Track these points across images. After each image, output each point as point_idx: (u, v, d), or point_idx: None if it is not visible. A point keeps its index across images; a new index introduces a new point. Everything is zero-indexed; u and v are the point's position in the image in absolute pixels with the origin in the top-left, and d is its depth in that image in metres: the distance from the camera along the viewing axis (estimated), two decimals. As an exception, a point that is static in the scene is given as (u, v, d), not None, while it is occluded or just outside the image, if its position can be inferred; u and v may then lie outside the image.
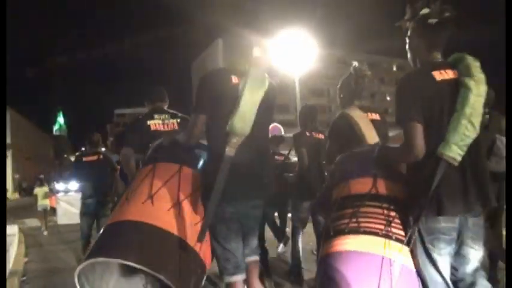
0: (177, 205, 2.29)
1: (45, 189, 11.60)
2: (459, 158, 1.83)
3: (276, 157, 5.37)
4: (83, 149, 6.27)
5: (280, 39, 13.09)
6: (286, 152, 5.12)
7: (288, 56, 12.71)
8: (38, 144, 54.83)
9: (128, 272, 2.54)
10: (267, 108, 2.34)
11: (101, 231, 2.40)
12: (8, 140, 33.42)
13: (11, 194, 25.53)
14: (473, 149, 1.87)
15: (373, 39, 61.52)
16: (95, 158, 5.33)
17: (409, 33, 2.11)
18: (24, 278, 5.34)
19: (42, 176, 14.16)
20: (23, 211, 15.53)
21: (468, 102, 1.82)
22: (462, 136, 1.81)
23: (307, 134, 4.27)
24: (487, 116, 3.50)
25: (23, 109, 46.62)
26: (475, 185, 1.89)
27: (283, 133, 6.94)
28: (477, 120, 1.83)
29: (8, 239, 7.40)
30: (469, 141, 1.83)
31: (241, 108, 2.17)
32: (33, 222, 12.77)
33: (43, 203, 11.07)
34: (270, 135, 2.81)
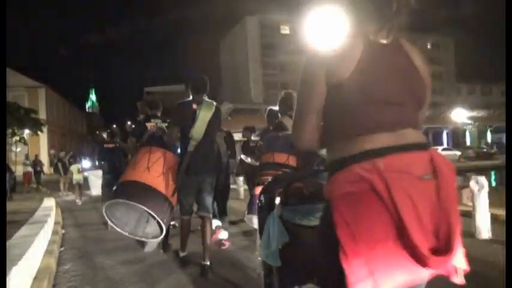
0: (162, 174, 4.11)
1: (78, 165, 13.38)
2: None
3: (251, 144, 6.66)
4: (104, 135, 8.53)
5: (310, 16, 12.85)
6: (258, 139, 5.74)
7: (318, 34, 12.49)
8: (71, 121, 56.39)
9: (130, 206, 4.20)
10: (213, 123, 4.02)
11: (116, 186, 4.36)
12: (44, 116, 34.55)
13: (47, 169, 26.48)
14: None
15: (408, 15, 59.29)
16: (112, 145, 7.29)
17: None
18: (62, 248, 5.58)
19: (71, 153, 16.50)
20: (57, 185, 16.17)
21: None
22: None
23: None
24: None
25: (57, 87, 47.84)
26: None
27: None
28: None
29: (46, 211, 7.74)
30: None
31: (197, 124, 3.91)
32: (70, 196, 14.21)
33: (77, 177, 12.77)
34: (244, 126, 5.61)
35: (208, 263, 3.88)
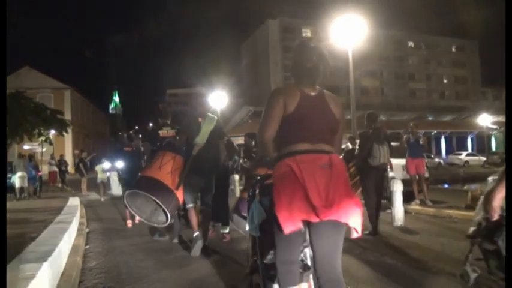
0: (170, 172, 5.00)
1: (102, 166, 14.01)
2: None
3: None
4: (125, 135, 9.08)
5: (332, 19, 12.79)
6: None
7: (341, 37, 12.38)
8: (95, 122, 57.49)
9: (147, 198, 5.14)
10: (214, 133, 4.97)
11: (137, 179, 5.38)
12: (69, 117, 35.28)
13: (71, 169, 27.08)
14: None
15: (431, 19, 58.29)
16: (130, 149, 7.92)
17: None
18: (87, 246, 5.73)
19: (93, 154, 18.07)
20: (80, 185, 16.52)
21: None
22: None
23: None
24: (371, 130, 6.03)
25: (82, 88, 48.79)
26: None
27: None
28: None
29: (72, 210, 7.95)
30: None
31: (201, 133, 4.89)
32: (92, 196, 14.60)
33: (101, 176, 13.77)
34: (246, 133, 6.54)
35: (206, 243, 4.93)
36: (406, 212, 6.80)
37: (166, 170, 5.02)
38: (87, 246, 5.73)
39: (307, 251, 2.42)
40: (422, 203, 8.28)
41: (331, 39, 13.39)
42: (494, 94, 63.12)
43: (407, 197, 7.79)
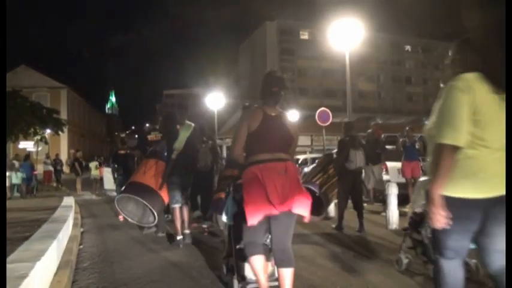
0: (154, 176, 5.64)
1: (96, 163, 15.39)
2: None
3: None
4: (123, 135, 9.79)
5: (329, 22, 12.82)
6: None
7: (338, 40, 12.41)
8: (91, 122, 57.38)
9: (137, 203, 5.84)
10: (191, 139, 5.55)
11: (125, 185, 6.05)
12: (65, 117, 35.20)
13: (66, 168, 27.01)
14: None
15: (428, 23, 58.48)
16: (124, 152, 8.67)
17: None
18: (81, 246, 5.71)
19: (79, 153, 18.32)
20: (75, 184, 16.46)
21: None
22: None
23: None
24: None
25: (78, 88, 48.65)
26: None
27: (331, 117, 9.76)
28: None
29: (67, 209, 7.92)
30: None
31: (179, 139, 5.43)
32: (86, 195, 14.56)
33: (94, 173, 15.08)
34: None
35: (187, 231, 5.57)
36: (400, 215, 6.82)
37: (150, 174, 5.72)
38: (81, 246, 5.70)
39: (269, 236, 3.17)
40: (418, 207, 8.31)
41: (328, 42, 13.42)
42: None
43: (403, 200, 7.82)
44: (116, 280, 4.07)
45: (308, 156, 18.96)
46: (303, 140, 35.14)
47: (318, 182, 6.32)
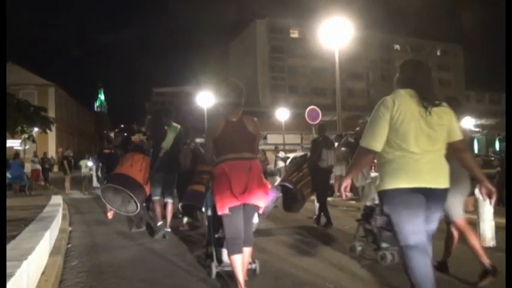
0: (140, 170, 5.97)
1: (86, 161, 15.74)
2: None
3: None
4: (112, 134, 10.08)
5: (319, 20, 12.87)
6: None
7: (328, 38, 12.45)
8: (80, 120, 56.78)
9: (116, 191, 6.12)
10: (177, 139, 5.99)
11: (110, 176, 6.45)
12: (53, 115, 34.75)
13: (55, 167, 26.72)
14: None
15: (416, 22, 58.95)
16: (109, 151, 9.18)
17: None
18: (69, 245, 5.66)
19: (69, 151, 18.73)
20: (63, 183, 16.33)
21: None
22: None
23: None
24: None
25: (67, 86, 48.18)
26: None
27: (320, 115, 9.98)
28: None
29: (54, 208, 7.85)
30: None
31: (166, 139, 5.86)
32: (75, 194, 14.57)
33: (84, 171, 15.55)
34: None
35: (169, 229, 6.05)
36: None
37: (137, 168, 6.03)
38: (69, 245, 5.66)
39: None
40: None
41: (318, 41, 13.47)
42: (477, 98, 64.18)
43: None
44: (104, 279, 4.05)
45: (298, 154, 19.00)
46: (293, 139, 35.16)
47: (294, 180, 6.60)
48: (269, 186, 4.76)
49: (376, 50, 57.09)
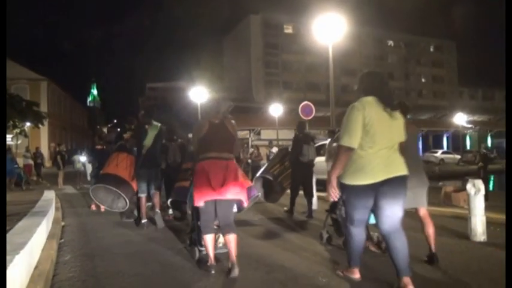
0: (126, 168, 6.62)
1: (79, 156, 15.85)
2: None
3: None
4: (105, 130, 10.20)
5: (313, 16, 12.85)
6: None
7: (322, 34, 12.44)
8: (72, 115, 56.37)
9: (107, 191, 6.84)
10: (157, 138, 6.34)
11: (100, 176, 7.14)
12: (45, 109, 34.51)
13: (47, 162, 26.56)
14: None
15: (410, 18, 59.00)
16: (101, 147, 9.51)
17: None
18: (62, 240, 5.65)
19: (62, 147, 19.07)
20: (56, 178, 16.19)
21: None
22: None
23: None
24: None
25: (59, 80, 47.66)
26: None
27: (314, 111, 10.27)
28: None
29: (47, 203, 7.82)
30: None
31: (147, 138, 6.25)
32: (68, 189, 14.42)
33: (78, 165, 15.88)
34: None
35: (158, 211, 6.47)
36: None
37: (122, 166, 6.69)
38: (62, 240, 5.65)
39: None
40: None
41: (312, 36, 13.45)
42: (470, 94, 64.61)
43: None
44: (97, 274, 4.05)
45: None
46: (286, 134, 35.09)
47: (275, 173, 7.44)
48: (249, 184, 5.87)
49: (370, 46, 57.21)
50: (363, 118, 3.14)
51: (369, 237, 4.51)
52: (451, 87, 63.56)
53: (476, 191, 5.16)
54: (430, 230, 4.11)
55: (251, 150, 19.42)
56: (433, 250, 4.10)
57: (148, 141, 6.27)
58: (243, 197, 4.08)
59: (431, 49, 64.10)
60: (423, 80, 63.45)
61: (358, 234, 3.46)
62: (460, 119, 42.81)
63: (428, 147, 46.42)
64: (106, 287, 3.68)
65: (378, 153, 3.18)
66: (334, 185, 3.29)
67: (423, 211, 4.15)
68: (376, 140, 3.16)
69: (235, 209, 5.22)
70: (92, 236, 6.02)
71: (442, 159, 37.19)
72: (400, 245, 3.21)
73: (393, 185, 3.20)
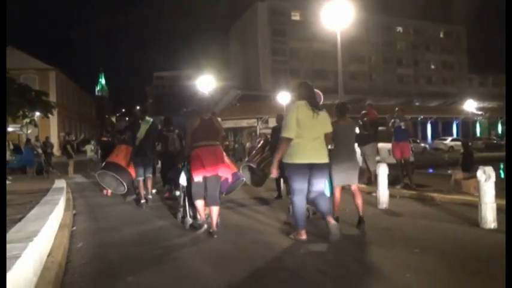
0: (124, 157, 7.91)
1: (91, 146, 16.19)
2: None
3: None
4: (113, 119, 10.67)
5: (321, 3, 12.69)
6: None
7: (330, 21, 12.30)
8: (81, 104, 56.68)
9: (112, 176, 8.13)
10: (150, 132, 7.53)
11: (104, 165, 8.42)
12: (54, 99, 34.68)
13: (57, 151, 26.80)
14: None
15: (419, 4, 57.88)
16: (107, 138, 10.64)
17: None
18: (74, 228, 5.72)
19: (82, 137, 20.31)
20: (66, 167, 16.35)
21: None
22: None
23: None
24: None
25: (67, 70, 47.82)
26: None
27: (322, 99, 9.82)
28: None
29: (58, 191, 7.90)
30: None
31: (140, 130, 7.48)
32: (78, 178, 14.54)
33: (90, 154, 16.22)
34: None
35: (150, 196, 7.81)
36: (390, 195, 6.91)
37: (122, 156, 7.94)
38: (74, 228, 5.72)
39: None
40: (407, 187, 8.42)
41: (320, 23, 13.32)
42: (480, 80, 63.69)
43: (393, 181, 7.91)
44: (110, 261, 4.10)
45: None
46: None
47: (257, 161, 8.05)
48: (236, 170, 6.80)
49: (378, 32, 56.47)
50: (297, 116, 4.47)
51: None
52: (461, 73, 62.71)
53: (487, 178, 5.12)
54: (359, 200, 5.29)
55: (259, 138, 19.43)
56: (360, 214, 5.28)
57: (140, 134, 7.42)
58: (229, 175, 5.48)
59: (441, 35, 63.14)
60: (432, 67, 62.64)
61: (299, 201, 4.60)
62: (470, 105, 42.29)
63: (438, 134, 45.99)
64: (118, 274, 3.74)
65: (308, 142, 4.50)
66: (275, 166, 4.67)
67: (354, 187, 5.35)
68: (306, 131, 4.48)
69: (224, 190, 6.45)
70: (103, 223, 6.11)
71: (451, 147, 36.83)
72: (322, 202, 4.65)
73: (319, 168, 4.59)
